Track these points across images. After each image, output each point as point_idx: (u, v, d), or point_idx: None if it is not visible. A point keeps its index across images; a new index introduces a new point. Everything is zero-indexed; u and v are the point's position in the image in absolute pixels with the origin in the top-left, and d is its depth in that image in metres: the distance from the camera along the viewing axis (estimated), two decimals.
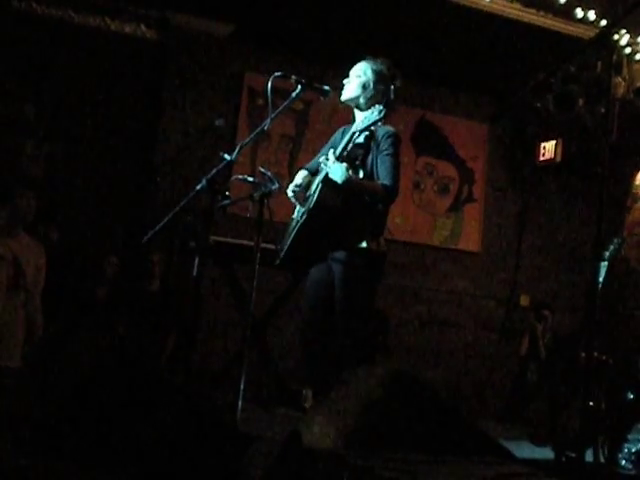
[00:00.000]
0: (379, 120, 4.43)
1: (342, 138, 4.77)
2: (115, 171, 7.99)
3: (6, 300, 5.64)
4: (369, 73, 4.74)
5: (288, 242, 4.66)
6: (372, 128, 4.54)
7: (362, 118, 4.56)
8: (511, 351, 8.98)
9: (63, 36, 7.87)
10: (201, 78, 8.20)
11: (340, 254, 4.56)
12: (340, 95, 4.79)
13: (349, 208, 4.52)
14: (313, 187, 4.68)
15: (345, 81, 4.78)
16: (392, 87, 4.65)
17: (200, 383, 6.49)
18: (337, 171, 4.45)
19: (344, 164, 4.47)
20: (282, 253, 4.70)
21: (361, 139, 4.61)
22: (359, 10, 7.48)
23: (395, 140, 4.62)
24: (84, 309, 6.89)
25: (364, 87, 4.72)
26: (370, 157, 4.61)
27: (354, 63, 4.83)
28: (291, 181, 4.86)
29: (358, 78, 4.74)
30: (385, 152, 4.57)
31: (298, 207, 4.79)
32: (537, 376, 8.26)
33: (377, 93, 4.67)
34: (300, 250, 4.68)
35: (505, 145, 9.52)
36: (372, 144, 4.62)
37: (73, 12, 7.89)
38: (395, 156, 4.59)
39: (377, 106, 4.44)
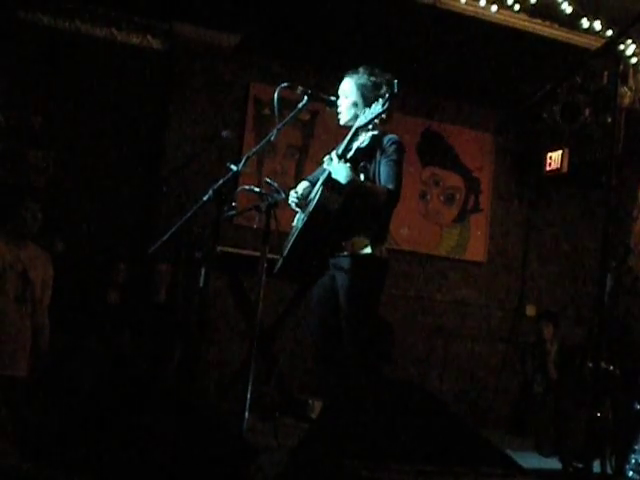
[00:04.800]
0: (383, 112, 4.39)
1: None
2: (121, 181, 8.00)
3: (14, 310, 5.65)
4: (354, 90, 4.70)
5: (287, 249, 4.66)
6: (374, 123, 4.51)
7: (364, 113, 4.50)
8: (518, 361, 8.96)
9: (69, 46, 7.88)
10: (207, 89, 8.20)
11: (343, 262, 4.55)
12: (338, 119, 4.78)
13: (349, 211, 4.52)
14: (313, 193, 4.68)
15: (339, 103, 4.77)
16: (395, 80, 4.52)
17: (206, 393, 6.49)
18: (341, 171, 4.45)
19: (347, 164, 4.46)
20: (280, 260, 4.70)
21: (365, 144, 4.60)
22: (365, 21, 7.49)
23: (399, 147, 4.61)
24: (95, 314, 6.88)
25: (355, 105, 4.69)
26: (373, 163, 4.60)
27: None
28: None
29: (347, 99, 4.71)
30: (389, 158, 4.56)
31: (299, 214, 4.79)
32: (543, 388, 8.24)
33: (369, 104, 4.61)
34: (299, 257, 4.67)
35: (511, 155, 9.51)
36: (376, 151, 4.61)
37: (79, 22, 7.90)
38: (398, 162, 4.58)
39: (380, 100, 4.41)
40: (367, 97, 4.64)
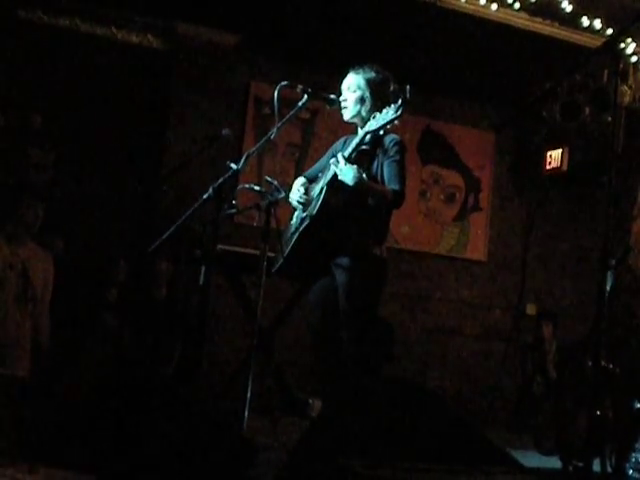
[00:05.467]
0: (397, 118, 4.38)
1: (344, 147, 4.76)
2: (121, 180, 8.00)
3: (14, 309, 5.65)
4: (363, 85, 4.69)
5: (288, 248, 4.66)
6: (385, 130, 4.52)
7: (375, 118, 4.48)
8: (518, 360, 8.96)
9: (70, 45, 7.88)
10: (207, 87, 8.20)
11: (343, 261, 4.55)
12: (342, 115, 4.78)
13: (353, 212, 4.52)
14: (316, 192, 4.67)
15: (341, 99, 4.76)
16: (407, 86, 4.53)
17: (206, 392, 6.49)
18: (348, 173, 4.44)
19: (355, 166, 4.46)
20: (281, 260, 4.70)
21: (367, 146, 4.61)
22: (365, 19, 7.48)
23: (401, 147, 4.62)
24: (95, 312, 6.89)
25: (362, 100, 4.69)
26: (375, 164, 4.60)
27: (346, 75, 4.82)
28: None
29: (354, 93, 4.70)
30: (392, 158, 4.56)
31: (297, 213, 4.78)
32: (543, 387, 8.23)
33: (376, 101, 4.63)
34: (300, 256, 4.67)
35: (511, 154, 9.51)
36: (378, 151, 4.62)
37: (80, 21, 7.90)
38: (401, 162, 4.59)
39: (393, 105, 4.40)
40: (376, 92, 4.66)
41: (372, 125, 4.50)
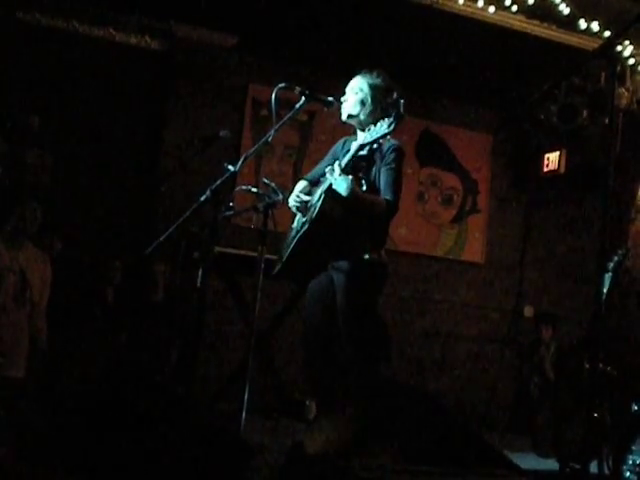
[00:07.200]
0: (388, 133, 4.40)
1: (343, 149, 4.77)
2: (119, 181, 8.00)
3: (12, 311, 5.65)
4: (366, 88, 4.71)
5: (287, 252, 4.66)
6: (380, 141, 4.52)
7: (370, 131, 4.52)
8: (515, 362, 8.97)
9: (68, 47, 7.88)
10: (205, 89, 8.21)
11: (342, 264, 4.56)
12: (341, 114, 4.79)
13: (351, 219, 4.52)
14: (315, 197, 4.68)
15: (342, 99, 4.77)
16: (402, 101, 4.56)
17: (203, 394, 6.49)
18: (342, 184, 4.45)
19: (350, 177, 4.46)
20: (280, 263, 4.70)
21: (365, 151, 4.61)
22: (363, 22, 7.49)
23: (399, 154, 4.62)
24: (93, 314, 6.88)
25: (362, 103, 4.71)
26: (374, 169, 4.61)
27: (352, 76, 4.83)
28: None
29: (356, 95, 4.72)
30: (388, 166, 4.57)
31: (298, 217, 4.79)
32: (540, 389, 8.24)
33: (376, 107, 4.65)
34: (299, 260, 4.68)
35: (509, 156, 9.51)
36: (376, 157, 4.62)
37: (78, 23, 7.90)
38: (398, 170, 4.59)
39: (387, 119, 4.41)
40: (377, 98, 4.67)
41: (366, 138, 4.51)
